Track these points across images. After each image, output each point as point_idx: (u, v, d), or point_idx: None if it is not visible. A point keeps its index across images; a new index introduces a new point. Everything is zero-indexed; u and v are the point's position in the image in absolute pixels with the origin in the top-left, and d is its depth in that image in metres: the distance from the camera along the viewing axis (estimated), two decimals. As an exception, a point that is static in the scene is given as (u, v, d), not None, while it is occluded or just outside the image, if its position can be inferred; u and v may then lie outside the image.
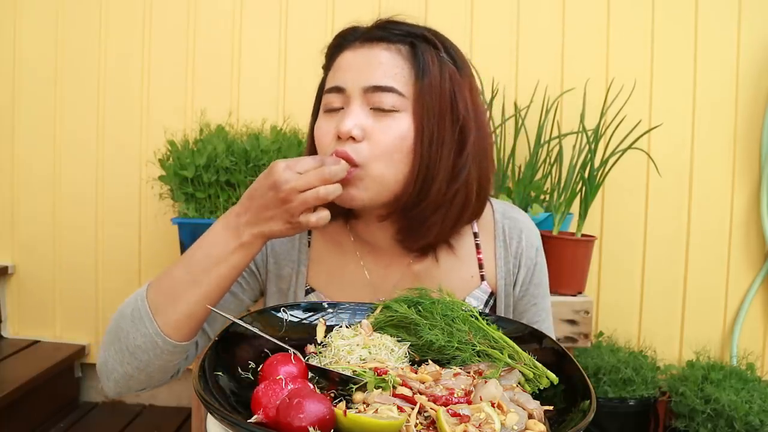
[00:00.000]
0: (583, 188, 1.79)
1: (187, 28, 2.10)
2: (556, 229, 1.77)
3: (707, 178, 2.08)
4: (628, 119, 1.90)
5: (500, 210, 1.03)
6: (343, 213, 0.95)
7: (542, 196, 1.89)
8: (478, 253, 1.00)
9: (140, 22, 2.10)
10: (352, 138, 0.84)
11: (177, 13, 2.10)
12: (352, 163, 0.84)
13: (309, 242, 1.01)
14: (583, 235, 1.80)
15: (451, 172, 0.88)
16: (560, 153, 1.92)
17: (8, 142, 2.15)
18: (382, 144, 0.85)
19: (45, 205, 2.15)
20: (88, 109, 2.12)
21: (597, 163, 1.79)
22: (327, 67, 0.94)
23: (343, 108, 0.88)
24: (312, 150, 0.95)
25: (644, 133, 1.86)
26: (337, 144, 0.86)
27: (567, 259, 1.74)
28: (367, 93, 0.86)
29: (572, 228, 1.88)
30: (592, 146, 1.78)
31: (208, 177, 1.65)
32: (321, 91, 0.95)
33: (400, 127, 0.85)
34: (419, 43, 0.88)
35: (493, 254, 1.00)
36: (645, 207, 2.10)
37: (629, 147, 1.79)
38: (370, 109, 0.86)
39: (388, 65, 0.86)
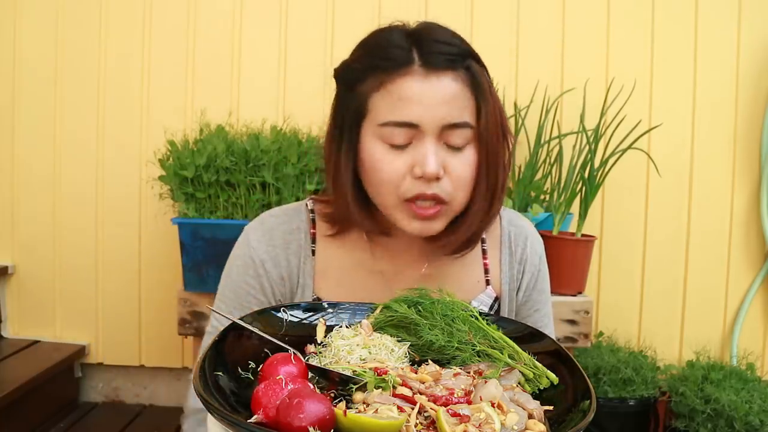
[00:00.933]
0: (583, 188, 1.79)
1: (187, 28, 2.10)
2: (556, 229, 1.77)
3: (707, 178, 2.08)
4: (628, 119, 1.90)
5: (507, 217, 1.04)
6: (366, 224, 0.93)
7: (542, 196, 1.89)
8: (485, 258, 1.01)
9: (140, 22, 2.10)
10: (437, 178, 0.84)
11: (177, 13, 2.10)
12: (441, 202, 0.85)
13: (313, 251, 0.97)
14: (583, 235, 1.80)
15: (502, 189, 0.91)
16: (560, 153, 1.92)
17: (8, 142, 2.15)
18: (462, 178, 0.86)
19: (45, 205, 2.15)
20: (88, 109, 2.12)
21: (597, 163, 1.79)
22: (361, 87, 0.86)
23: (411, 143, 0.85)
24: (345, 179, 0.89)
25: (644, 133, 1.86)
26: (417, 183, 0.84)
27: (567, 259, 1.74)
28: (444, 130, 0.84)
29: (572, 228, 1.88)
30: (592, 146, 1.78)
31: (208, 177, 1.65)
32: (351, 108, 0.87)
33: (471, 158, 0.87)
34: (473, 64, 0.87)
35: (499, 260, 1.02)
36: (645, 207, 2.10)
37: (629, 147, 1.79)
38: (443, 143, 0.85)
39: (460, 98, 0.84)
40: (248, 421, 0.60)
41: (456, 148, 0.85)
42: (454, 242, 0.92)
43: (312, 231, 0.98)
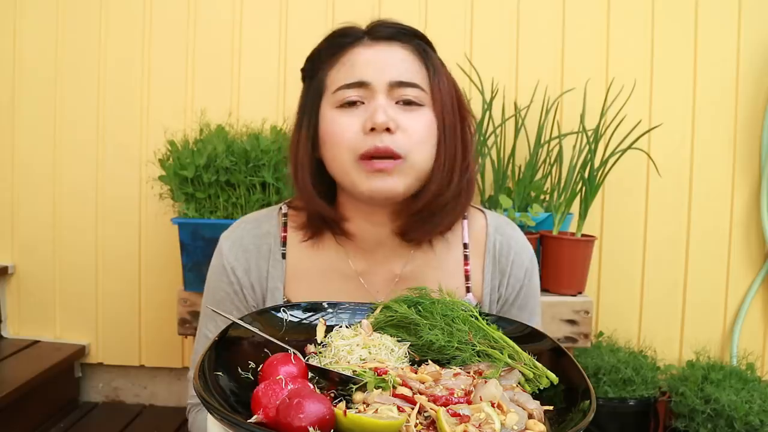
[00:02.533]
0: (583, 188, 1.79)
1: (187, 28, 2.10)
2: (556, 229, 1.77)
3: (707, 178, 2.08)
4: (628, 119, 1.90)
5: (494, 224, 1.02)
6: (325, 210, 0.94)
7: (542, 196, 1.89)
8: (466, 264, 0.99)
9: (140, 22, 2.10)
10: (388, 130, 0.85)
11: (177, 13, 2.10)
12: (395, 156, 0.86)
13: (283, 254, 0.98)
14: (583, 235, 1.80)
15: (462, 165, 0.92)
16: (560, 153, 1.91)
17: (8, 142, 2.15)
18: (417, 134, 0.88)
19: (45, 205, 2.15)
20: (88, 109, 2.12)
21: (597, 163, 1.79)
22: (320, 72, 0.93)
23: (363, 102, 0.88)
24: (304, 160, 0.92)
25: (644, 133, 1.86)
26: (370, 137, 0.86)
27: (567, 259, 1.74)
28: (393, 88, 0.88)
29: (572, 228, 1.88)
30: (592, 146, 1.78)
31: (208, 177, 1.65)
32: (311, 94, 0.93)
33: (425, 119, 0.89)
34: (422, 43, 0.93)
35: (482, 268, 1.00)
36: (645, 207, 2.10)
37: (629, 147, 1.79)
38: (395, 102, 0.88)
39: (408, 62, 0.90)
40: (248, 421, 0.60)
41: (410, 105, 0.88)
42: (413, 209, 0.92)
43: (283, 234, 0.99)
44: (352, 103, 0.88)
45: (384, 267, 0.97)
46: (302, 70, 0.97)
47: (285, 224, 0.99)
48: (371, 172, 0.86)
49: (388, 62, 0.89)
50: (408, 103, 0.88)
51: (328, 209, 0.93)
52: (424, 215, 0.92)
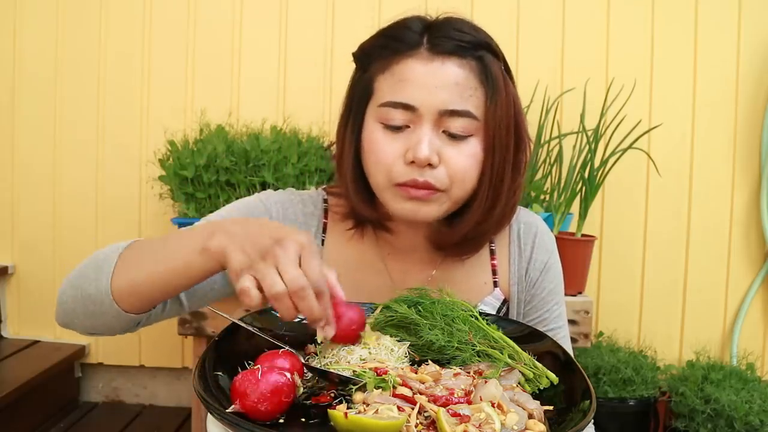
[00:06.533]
0: (583, 188, 1.79)
1: (187, 28, 2.10)
2: (556, 229, 1.77)
3: (707, 177, 2.08)
4: (628, 119, 1.90)
5: (516, 214, 1.00)
6: (374, 219, 0.92)
7: (542, 196, 1.89)
8: (492, 258, 0.98)
9: (140, 22, 2.10)
10: (430, 165, 0.82)
11: (177, 13, 2.10)
12: (435, 190, 0.83)
13: (322, 241, 0.96)
14: (583, 235, 1.80)
15: (508, 192, 0.88)
16: (560, 153, 1.92)
17: (8, 142, 2.15)
18: (459, 169, 0.83)
19: (45, 205, 2.15)
20: (88, 109, 2.12)
21: (597, 163, 1.79)
22: (371, 69, 0.87)
23: (408, 126, 0.83)
24: (347, 160, 0.89)
25: (644, 133, 1.86)
26: (409, 169, 0.82)
27: (567, 259, 1.72)
28: (442, 116, 0.82)
29: (572, 228, 1.88)
30: (592, 146, 1.78)
31: (208, 177, 1.65)
32: (359, 90, 0.88)
33: (472, 151, 0.84)
34: (486, 55, 0.86)
35: (507, 260, 0.98)
36: (645, 207, 2.10)
37: (629, 147, 1.79)
38: (442, 131, 0.83)
39: (463, 86, 0.83)
40: (227, 410, 0.60)
41: (456, 138, 0.83)
42: (450, 239, 0.90)
43: (324, 220, 0.97)
44: (396, 127, 0.84)
45: (417, 267, 0.96)
46: (354, 53, 0.91)
47: (326, 210, 0.98)
48: (405, 199, 0.84)
49: (440, 84, 0.82)
50: (454, 136, 0.83)
51: (369, 210, 0.91)
52: (463, 241, 0.91)
